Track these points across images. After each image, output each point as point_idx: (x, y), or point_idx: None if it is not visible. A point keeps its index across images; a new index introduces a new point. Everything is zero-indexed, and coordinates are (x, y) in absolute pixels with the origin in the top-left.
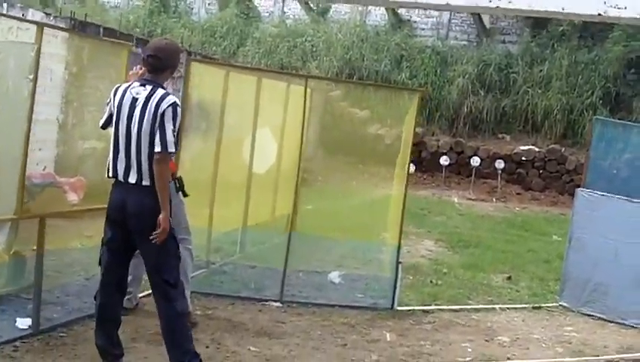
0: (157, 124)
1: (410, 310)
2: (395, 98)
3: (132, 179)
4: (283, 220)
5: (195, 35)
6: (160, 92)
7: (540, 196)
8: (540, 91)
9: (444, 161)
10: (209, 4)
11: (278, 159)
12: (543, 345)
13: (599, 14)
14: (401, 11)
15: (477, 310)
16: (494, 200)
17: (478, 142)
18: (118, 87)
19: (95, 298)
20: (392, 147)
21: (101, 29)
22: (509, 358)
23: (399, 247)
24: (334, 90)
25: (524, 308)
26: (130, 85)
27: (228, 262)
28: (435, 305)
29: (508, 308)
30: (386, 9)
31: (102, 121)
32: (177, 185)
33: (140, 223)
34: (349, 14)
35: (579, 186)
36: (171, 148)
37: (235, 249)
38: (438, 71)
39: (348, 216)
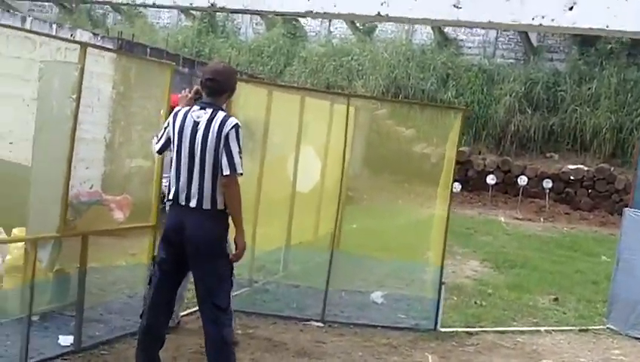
0: (222, 147)
1: (453, 331)
2: (441, 117)
3: (193, 203)
4: (326, 239)
5: (242, 54)
6: (221, 114)
7: (589, 216)
8: (588, 110)
9: (490, 179)
10: (256, 24)
11: (322, 178)
12: None
13: None
14: (448, 30)
15: (522, 332)
16: (542, 219)
17: (525, 161)
18: (178, 111)
19: (141, 317)
20: (437, 166)
21: (148, 49)
22: None
23: (442, 267)
24: (380, 109)
25: (571, 330)
26: (190, 109)
27: (271, 280)
28: (479, 326)
29: (554, 331)
30: (432, 28)
31: (158, 146)
32: None
33: (197, 247)
34: (395, 33)
35: (627, 206)
36: (240, 170)
37: (278, 267)
38: (485, 89)
39: (392, 236)
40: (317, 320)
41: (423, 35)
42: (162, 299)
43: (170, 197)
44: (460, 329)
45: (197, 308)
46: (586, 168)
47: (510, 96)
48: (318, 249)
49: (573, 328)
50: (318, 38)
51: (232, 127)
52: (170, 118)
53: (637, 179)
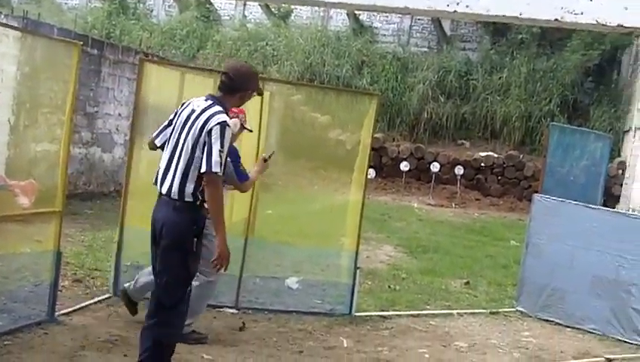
0: (201, 141)
1: (367, 316)
2: (357, 103)
3: (164, 190)
4: (241, 225)
5: (154, 37)
6: (214, 109)
7: (499, 202)
8: (499, 98)
9: (404, 166)
10: (169, 6)
11: None
12: (500, 351)
13: (556, 20)
14: (363, 17)
15: (435, 315)
16: (454, 205)
17: (438, 148)
18: (186, 100)
19: None
20: (352, 152)
21: (55, 30)
22: None
23: (357, 253)
24: (295, 95)
25: (482, 313)
26: (196, 99)
27: None
28: (393, 310)
29: (465, 314)
30: (347, 14)
31: (154, 134)
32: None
33: (160, 236)
34: (310, 19)
35: (536, 192)
36: (215, 168)
37: None
38: (399, 77)
39: (307, 222)
40: (231, 307)
41: (338, 21)
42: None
43: (153, 181)
44: (374, 314)
45: (105, 295)
46: (496, 155)
47: (424, 84)
48: (233, 235)
49: (484, 311)
50: (233, 22)
51: (216, 123)
52: (179, 107)
53: (546, 165)
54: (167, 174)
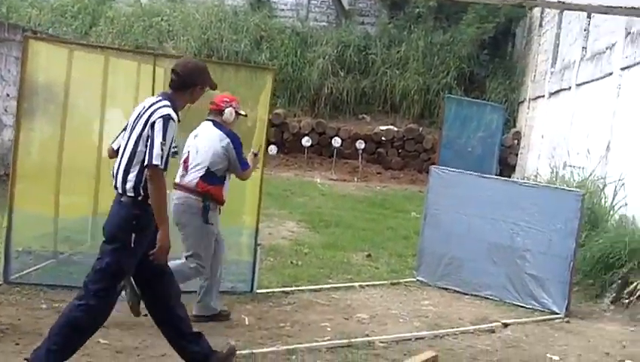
0: (145, 134)
1: (269, 292)
2: (256, 79)
3: (117, 184)
4: None
5: (43, 14)
6: (161, 103)
7: (400, 175)
8: (397, 72)
9: (306, 142)
10: None
11: None
12: (401, 320)
13: None
14: None
15: (337, 289)
16: (356, 179)
17: (339, 122)
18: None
19: None
20: (253, 129)
21: None
22: (367, 335)
23: (257, 230)
24: None
25: (383, 284)
26: (151, 97)
27: (77, 251)
28: (295, 286)
29: (367, 286)
30: None
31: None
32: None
33: (105, 226)
34: None
35: (434, 164)
36: (156, 161)
37: (86, 238)
38: (299, 52)
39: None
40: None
41: None
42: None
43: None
44: (276, 290)
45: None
46: (396, 129)
47: (323, 58)
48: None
49: (386, 282)
50: None
51: (159, 116)
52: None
53: (442, 138)
54: (117, 170)
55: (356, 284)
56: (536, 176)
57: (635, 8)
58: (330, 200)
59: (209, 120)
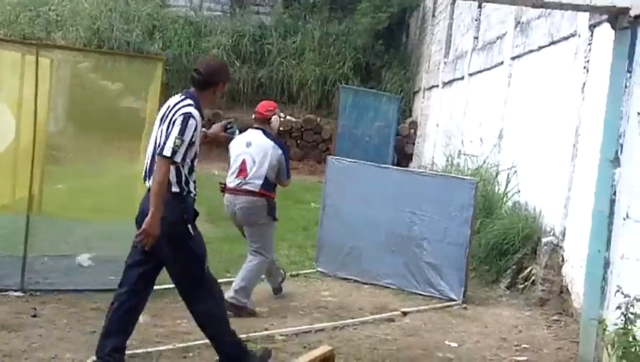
0: (166, 130)
1: (166, 289)
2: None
3: (148, 183)
4: (25, 202)
5: None
6: (185, 102)
7: (299, 165)
8: (294, 62)
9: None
10: None
11: (17, 136)
12: (301, 312)
13: None
14: None
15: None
16: None
17: (236, 113)
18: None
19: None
20: (146, 120)
21: None
22: (266, 329)
23: None
24: (83, 62)
25: None
26: (175, 96)
27: None
28: None
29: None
30: None
31: None
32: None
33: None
34: None
35: (331, 155)
36: (166, 153)
37: None
38: (192, 42)
39: (99, 195)
40: (16, 290)
41: None
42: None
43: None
44: (172, 286)
45: None
46: (294, 119)
47: (218, 48)
48: (17, 213)
49: (286, 274)
50: None
51: (180, 114)
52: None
53: (338, 128)
54: (148, 166)
55: None
56: (432, 165)
57: None
58: None
59: (258, 128)
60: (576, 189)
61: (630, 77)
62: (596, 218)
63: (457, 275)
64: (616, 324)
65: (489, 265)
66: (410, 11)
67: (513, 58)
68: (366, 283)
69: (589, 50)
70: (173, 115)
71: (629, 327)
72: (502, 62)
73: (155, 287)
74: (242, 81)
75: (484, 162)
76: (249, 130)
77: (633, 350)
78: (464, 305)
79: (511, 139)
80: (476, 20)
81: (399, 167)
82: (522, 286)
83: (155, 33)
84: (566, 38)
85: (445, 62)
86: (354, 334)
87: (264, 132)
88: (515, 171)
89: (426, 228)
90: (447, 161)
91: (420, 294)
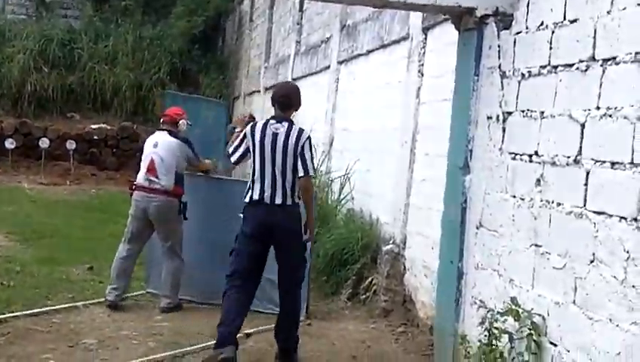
0: (298, 154)
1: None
2: None
3: (278, 201)
4: None
5: None
6: (296, 127)
7: (116, 175)
8: (106, 67)
9: (9, 144)
10: None
11: None
12: (134, 342)
13: None
14: None
15: (57, 311)
16: (68, 183)
17: (46, 122)
18: (255, 125)
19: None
20: None
21: None
22: None
23: None
24: None
25: None
26: (267, 123)
27: None
28: (9, 312)
29: (92, 304)
30: None
31: (235, 157)
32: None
33: (286, 235)
34: None
35: None
36: (312, 172)
37: None
38: None
39: None
40: None
41: None
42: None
43: (256, 197)
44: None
45: None
46: (109, 127)
47: (24, 54)
48: None
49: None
50: None
51: (306, 139)
52: (249, 132)
53: None
54: (276, 188)
55: (79, 304)
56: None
57: None
58: (42, 207)
59: (165, 130)
60: (415, 196)
61: (478, 80)
62: (447, 227)
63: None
64: (480, 340)
65: (327, 276)
66: (226, 15)
67: (340, 62)
68: (202, 304)
69: (423, 53)
70: (298, 141)
71: (495, 343)
72: (328, 67)
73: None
74: (51, 87)
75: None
76: (156, 132)
77: None
78: (308, 321)
79: (342, 145)
80: (298, 24)
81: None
82: (364, 296)
83: None
84: (397, 42)
85: (266, 67)
86: None
87: (170, 132)
88: (348, 178)
89: None
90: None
91: (261, 312)
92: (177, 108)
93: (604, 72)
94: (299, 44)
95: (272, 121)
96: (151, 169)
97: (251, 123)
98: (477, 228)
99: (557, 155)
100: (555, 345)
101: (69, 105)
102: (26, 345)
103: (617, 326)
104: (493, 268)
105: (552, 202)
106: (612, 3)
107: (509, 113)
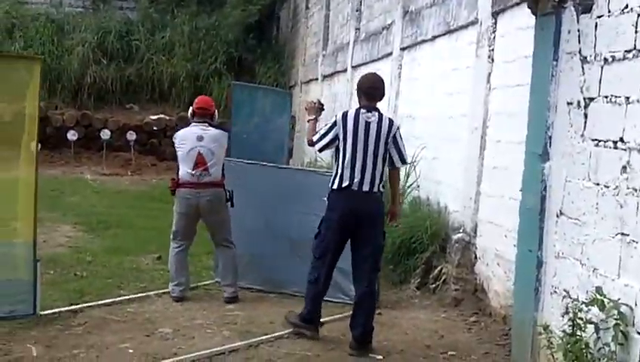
0: (391, 143)
1: (55, 313)
2: (13, 70)
3: (366, 188)
4: None
5: None
6: (386, 118)
7: (175, 165)
8: (164, 58)
9: (71, 135)
10: None
11: None
12: (209, 331)
13: None
14: None
15: (131, 301)
16: (129, 173)
17: (106, 113)
18: (345, 113)
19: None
20: (13, 125)
21: None
22: (175, 353)
23: (35, 242)
24: None
25: None
26: (358, 112)
27: None
28: (84, 302)
29: (164, 293)
30: None
31: (321, 144)
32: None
33: (372, 220)
34: None
35: None
36: (408, 161)
37: None
38: (55, 40)
39: None
40: None
41: None
42: (333, 260)
43: (345, 183)
44: (63, 309)
45: None
46: (167, 117)
47: (83, 46)
48: None
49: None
50: None
51: (397, 128)
52: (340, 120)
53: (232, 127)
54: (364, 175)
55: (152, 293)
56: (316, 161)
57: None
58: (105, 197)
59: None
60: (486, 183)
61: (556, 65)
62: (525, 215)
63: None
64: (564, 330)
65: (394, 265)
66: (281, 4)
67: (403, 49)
68: (271, 292)
69: (493, 38)
70: (390, 131)
71: (579, 334)
72: (391, 53)
73: (44, 312)
74: (110, 79)
75: None
76: (191, 125)
77: (586, 357)
78: (378, 310)
79: (407, 133)
80: (357, 11)
81: (293, 167)
82: (433, 286)
83: (15, 32)
84: (465, 27)
85: (324, 55)
86: (271, 352)
87: (209, 124)
88: (414, 166)
89: None
90: (332, 157)
91: (331, 301)
92: (206, 97)
93: None
94: (358, 31)
95: (363, 110)
96: (200, 163)
97: (342, 112)
98: (557, 216)
99: None
100: None
101: (127, 96)
102: (103, 335)
103: None
104: (575, 257)
105: (639, 190)
106: None
107: (591, 99)
